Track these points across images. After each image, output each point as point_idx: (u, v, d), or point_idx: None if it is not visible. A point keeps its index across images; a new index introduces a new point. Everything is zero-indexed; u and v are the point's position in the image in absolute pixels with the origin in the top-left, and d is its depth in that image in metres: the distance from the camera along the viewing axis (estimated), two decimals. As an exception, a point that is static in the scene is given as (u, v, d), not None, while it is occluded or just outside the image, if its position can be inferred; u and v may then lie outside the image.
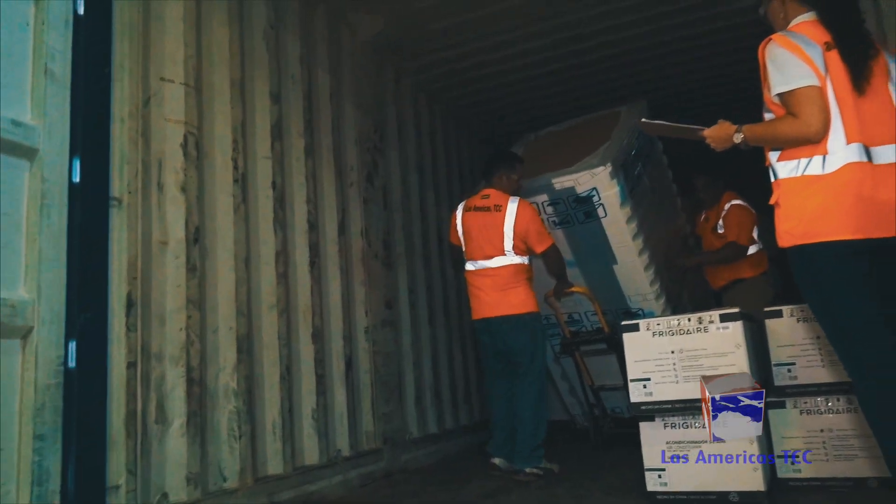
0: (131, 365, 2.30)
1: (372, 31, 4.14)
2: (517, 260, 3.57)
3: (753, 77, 2.21)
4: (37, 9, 2.01)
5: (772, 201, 2.10)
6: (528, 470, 3.42)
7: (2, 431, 1.75)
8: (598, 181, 3.83)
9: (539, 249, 3.60)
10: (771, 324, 2.97)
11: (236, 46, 3.01)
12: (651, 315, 4.00)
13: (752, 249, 4.22)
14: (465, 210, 3.75)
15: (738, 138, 2.17)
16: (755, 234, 4.24)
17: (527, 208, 3.60)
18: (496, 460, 3.59)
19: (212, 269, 2.75)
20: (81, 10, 2.19)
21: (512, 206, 3.57)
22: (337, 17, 3.93)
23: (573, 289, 3.98)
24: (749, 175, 3.42)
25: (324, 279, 3.55)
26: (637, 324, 2.95)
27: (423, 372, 4.56)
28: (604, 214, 3.93)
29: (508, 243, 3.54)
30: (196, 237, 2.64)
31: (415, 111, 5.04)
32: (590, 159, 3.95)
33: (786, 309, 2.94)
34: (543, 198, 4.00)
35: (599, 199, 3.88)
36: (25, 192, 1.93)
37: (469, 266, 3.69)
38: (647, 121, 2.52)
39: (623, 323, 3.01)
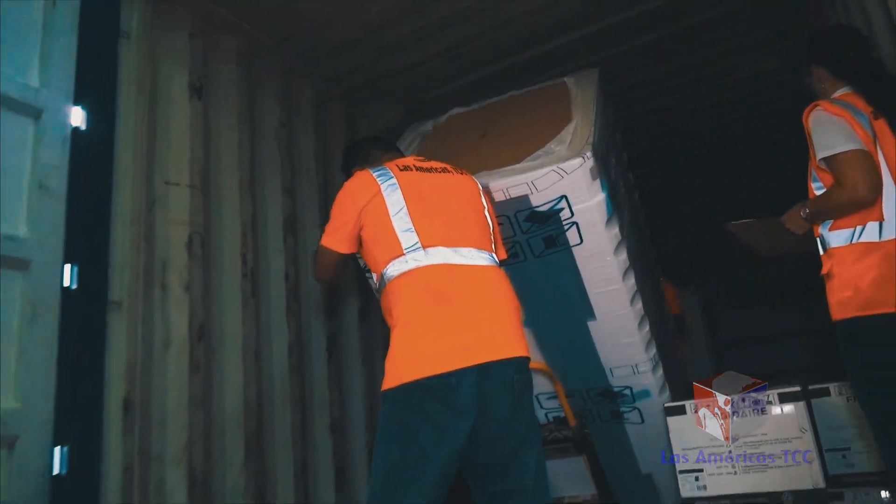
0: (128, 468, 2.27)
1: (391, 120, 4.23)
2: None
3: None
4: (35, 127, 2.15)
5: (824, 271, 1.99)
6: None
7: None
8: (571, 183, 2.35)
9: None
10: (818, 403, 2.68)
11: (246, 147, 3.11)
12: (644, 397, 2.83)
13: None
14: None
15: (803, 213, 2.04)
16: None
17: None
18: None
19: (218, 366, 2.75)
20: (84, 126, 2.34)
21: None
22: (354, 108, 4.04)
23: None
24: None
25: (345, 369, 3.50)
26: (683, 405, 2.71)
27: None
28: (578, 241, 2.47)
29: None
30: (201, 334, 2.66)
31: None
32: (551, 147, 2.46)
33: (833, 386, 2.65)
34: None
35: (572, 214, 2.41)
36: (17, 301, 2.01)
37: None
38: (739, 223, 2.20)
39: (666, 405, 2.74)
